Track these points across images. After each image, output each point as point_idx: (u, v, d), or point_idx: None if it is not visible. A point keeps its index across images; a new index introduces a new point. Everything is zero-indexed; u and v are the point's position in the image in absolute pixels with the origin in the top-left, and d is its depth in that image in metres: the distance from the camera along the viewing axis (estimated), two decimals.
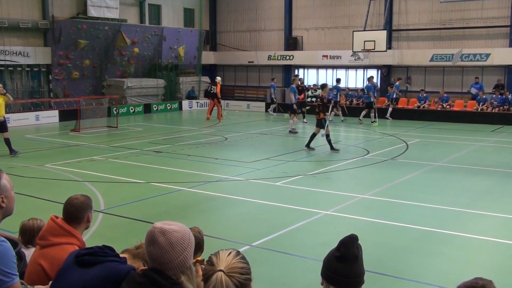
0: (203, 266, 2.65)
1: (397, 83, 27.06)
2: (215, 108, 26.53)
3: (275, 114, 28.74)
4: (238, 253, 2.34)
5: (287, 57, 32.30)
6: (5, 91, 15.97)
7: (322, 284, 2.56)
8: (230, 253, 2.31)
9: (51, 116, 24.90)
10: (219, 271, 2.23)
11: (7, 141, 15.56)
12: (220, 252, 2.33)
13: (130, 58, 29.89)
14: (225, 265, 2.25)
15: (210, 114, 26.54)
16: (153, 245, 2.40)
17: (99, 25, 27.25)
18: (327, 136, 16.49)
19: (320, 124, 16.61)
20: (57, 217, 3.68)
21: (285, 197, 11.10)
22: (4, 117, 15.64)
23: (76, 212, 3.71)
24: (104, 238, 7.87)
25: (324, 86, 17.39)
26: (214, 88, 26.28)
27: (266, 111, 29.90)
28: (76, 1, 27.42)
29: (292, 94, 21.62)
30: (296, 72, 32.55)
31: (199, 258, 3.69)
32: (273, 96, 28.22)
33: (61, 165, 14.18)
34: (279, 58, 32.65)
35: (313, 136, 16.76)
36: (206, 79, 34.30)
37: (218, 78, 27.26)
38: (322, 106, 16.71)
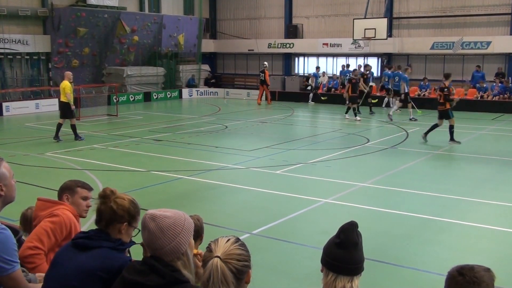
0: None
1: (388, 71, 24.45)
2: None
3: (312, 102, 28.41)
4: (237, 240, 2.34)
5: (287, 45, 32.19)
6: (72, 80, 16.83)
7: (321, 271, 2.57)
8: (228, 239, 2.32)
9: (51, 105, 24.83)
10: (216, 257, 2.24)
11: (73, 127, 16.29)
12: (219, 239, 2.34)
13: (130, 46, 29.79)
14: (222, 251, 2.26)
15: (261, 99, 28.38)
16: (144, 231, 2.41)
17: (99, 13, 27.12)
18: (452, 127, 15.81)
19: (446, 115, 15.77)
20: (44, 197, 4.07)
21: (285, 185, 11.11)
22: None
23: (59, 191, 4.11)
24: None
25: (448, 75, 16.44)
26: (262, 75, 27.84)
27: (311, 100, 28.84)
28: None
29: (404, 83, 21.69)
30: (298, 60, 32.50)
31: (195, 251, 3.68)
32: (313, 84, 28.89)
33: (62, 154, 14.19)
34: (279, 46, 32.54)
35: (435, 126, 16.05)
36: (206, 67, 34.24)
37: (266, 64, 28.72)
38: (446, 96, 15.72)
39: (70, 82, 16.37)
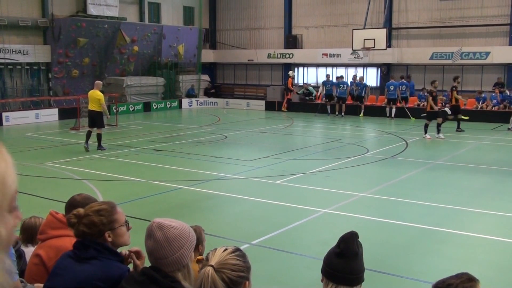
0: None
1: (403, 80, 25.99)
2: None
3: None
4: (236, 250, 2.32)
5: (287, 56, 32.28)
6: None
7: (322, 281, 2.57)
8: (226, 249, 2.31)
9: (50, 115, 24.88)
10: (209, 266, 2.24)
11: (99, 136, 16.30)
12: (217, 249, 2.33)
13: (130, 56, 29.87)
14: (217, 260, 2.25)
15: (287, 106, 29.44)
16: (149, 239, 2.41)
17: (99, 23, 27.23)
18: None
19: None
20: (57, 213, 3.72)
21: (285, 195, 11.10)
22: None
23: (72, 208, 3.65)
24: None
25: None
26: (287, 83, 29.13)
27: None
28: None
29: None
30: (297, 70, 32.62)
31: (199, 257, 3.68)
32: (323, 92, 28.61)
33: (61, 164, 14.19)
34: (278, 56, 32.62)
35: None
36: (205, 77, 34.31)
37: (290, 72, 29.83)
38: None
39: (101, 91, 16.42)
